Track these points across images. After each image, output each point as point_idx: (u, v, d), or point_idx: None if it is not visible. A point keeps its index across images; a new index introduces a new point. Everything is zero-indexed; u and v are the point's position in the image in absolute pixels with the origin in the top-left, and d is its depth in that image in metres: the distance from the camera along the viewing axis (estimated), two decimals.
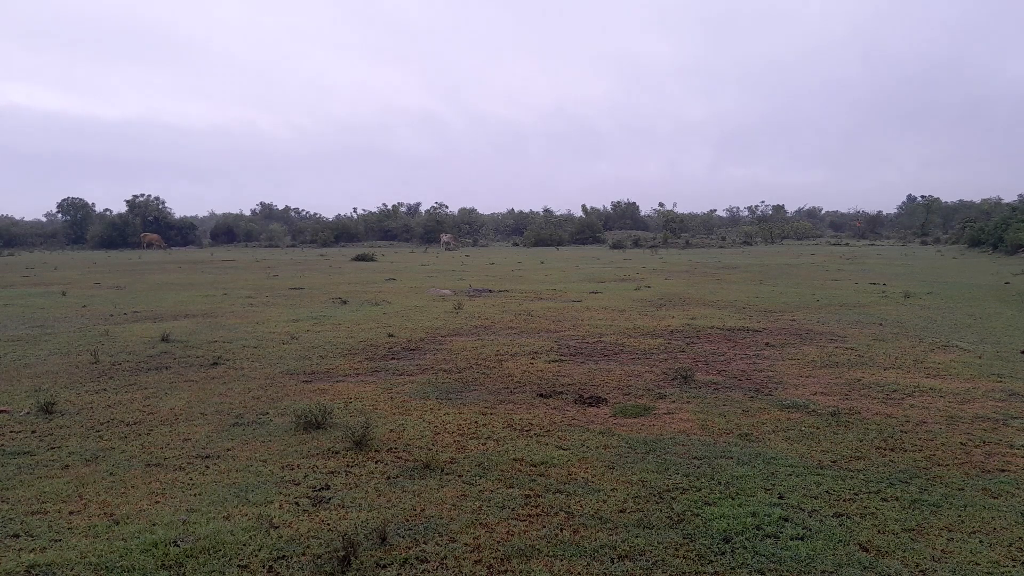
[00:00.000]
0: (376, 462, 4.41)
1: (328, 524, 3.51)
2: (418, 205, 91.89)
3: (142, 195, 67.85)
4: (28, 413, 5.54)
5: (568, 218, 77.68)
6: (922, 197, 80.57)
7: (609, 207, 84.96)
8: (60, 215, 73.59)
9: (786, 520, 3.52)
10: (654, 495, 3.85)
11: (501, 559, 3.14)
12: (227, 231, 73.16)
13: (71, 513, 3.66)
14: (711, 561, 3.13)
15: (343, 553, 3.09)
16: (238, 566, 3.09)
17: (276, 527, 3.47)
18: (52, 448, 4.71)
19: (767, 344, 8.60)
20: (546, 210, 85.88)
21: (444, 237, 52.64)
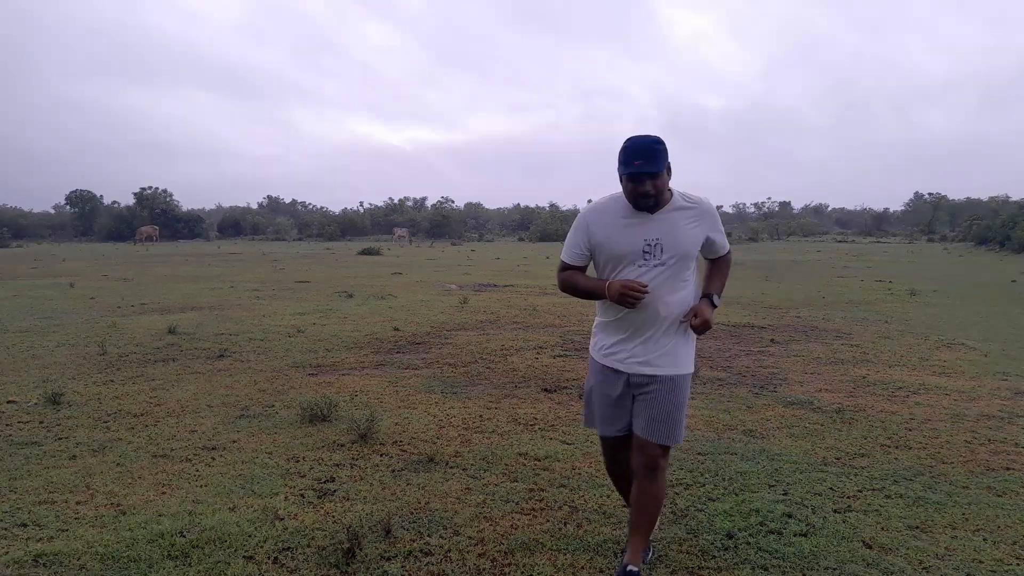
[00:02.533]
0: (381, 455, 4.43)
1: (333, 516, 3.53)
2: (424, 199, 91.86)
3: (150, 188, 68.04)
4: (36, 404, 5.58)
5: (574, 213, 77.57)
6: (929, 195, 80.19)
7: None
8: (68, 207, 73.85)
9: (789, 516, 3.52)
10: None
11: (505, 552, 3.16)
12: (234, 224, 73.32)
13: (78, 503, 3.69)
14: (714, 557, 3.13)
15: (348, 545, 3.11)
16: (243, 557, 3.11)
17: (281, 519, 3.49)
18: (59, 439, 4.74)
19: (772, 340, 8.59)
20: (552, 205, 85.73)
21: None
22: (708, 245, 2.82)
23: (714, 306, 2.80)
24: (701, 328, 2.72)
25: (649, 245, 2.67)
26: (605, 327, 2.90)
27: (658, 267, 2.68)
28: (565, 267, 2.86)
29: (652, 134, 2.56)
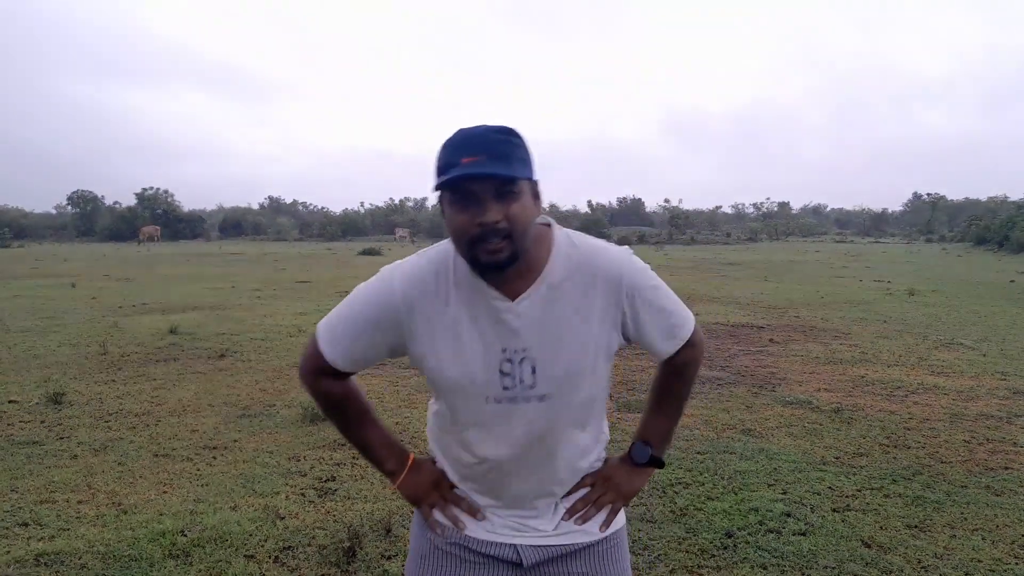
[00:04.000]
0: None
1: (334, 515, 3.54)
2: (425, 200, 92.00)
3: (151, 188, 68.11)
4: (37, 403, 5.59)
5: (573, 214, 77.63)
6: (927, 195, 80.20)
7: (615, 203, 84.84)
8: (70, 207, 73.89)
9: (788, 516, 3.53)
10: (657, 490, 3.87)
11: None
12: (235, 224, 73.41)
13: (79, 502, 3.70)
14: (713, 555, 3.15)
15: (348, 544, 3.12)
16: (244, 556, 3.13)
17: (282, 518, 3.51)
18: (61, 438, 4.76)
19: (771, 340, 8.60)
20: (552, 205, 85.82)
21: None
22: (641, 340, 1.38)
23: (648, 465, 1.51)
24: (599, 512, 1.46)
25: (510, 361, 1.30)
26: (456, 467, 1.47)
27: (537, 402, 1.32)
28: (322, 367, 1.38)
29: (502, 124, 1.23)
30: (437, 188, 1.21)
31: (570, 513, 1.44)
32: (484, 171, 1.16)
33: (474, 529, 1.43)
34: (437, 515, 1.46)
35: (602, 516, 1.46)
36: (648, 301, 1.35)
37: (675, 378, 1.49)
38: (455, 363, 1.32)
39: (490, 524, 1.43)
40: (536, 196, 1.29)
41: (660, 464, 1.52)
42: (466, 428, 1.39)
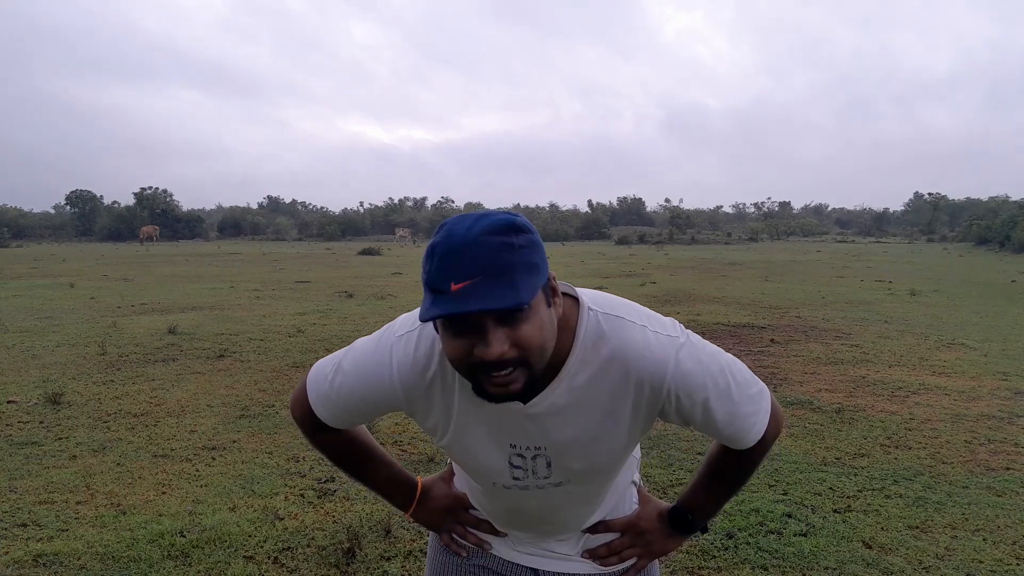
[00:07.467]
0: None
1: (333, 516, 3.53)
2: (424, 199, 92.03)
3: (150, 188, 68.09)
4: (36, 404, 5.58)
5: (574, 213, 77.62)
6: (929, 195, 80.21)
7: (615, 202, 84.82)
8: (68, 207, 73.90)
9: (789, 516, 3.52)
10: (657, 491, 3.86)
11: None
12: (234, 224, 73.36)
13: (78, 503, 3.69)
14: (714, 556, 3.14)
15: (348, 545, 3.12)
16: (243, 557, 3.12)
17: (281, 519, 3.50)
18: (60, 439, 4.74)
19: (772, 341, 8.59)
20: (552, 205, 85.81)
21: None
22: (703, 426, 1.17)
23: (682, 531, 1.37)
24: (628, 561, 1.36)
25: (521, 456, 1.18)
26: (475, 497, 1.41)
27: (553, 487, 1.22)
28: (317, 424, 1.26)
29: (505, 213, 0.96)
30: (423, 320, 0.95)
31: (591, 555, 1.34)
32: (480, 307, 0.90)
33: (498, 547, 1.38)
34: (457, 538, 1.41)
35: (624, 566, 1.36)
36: (703, 410, 1.12)
37: (734, 465, 1.28)
38: (459, 450, 1.21)
39: (512, 541, 1.37)
40: (553, 294, 1.02)
41: (703, 531, 1.39)
42: (478, 489, 1.34)
